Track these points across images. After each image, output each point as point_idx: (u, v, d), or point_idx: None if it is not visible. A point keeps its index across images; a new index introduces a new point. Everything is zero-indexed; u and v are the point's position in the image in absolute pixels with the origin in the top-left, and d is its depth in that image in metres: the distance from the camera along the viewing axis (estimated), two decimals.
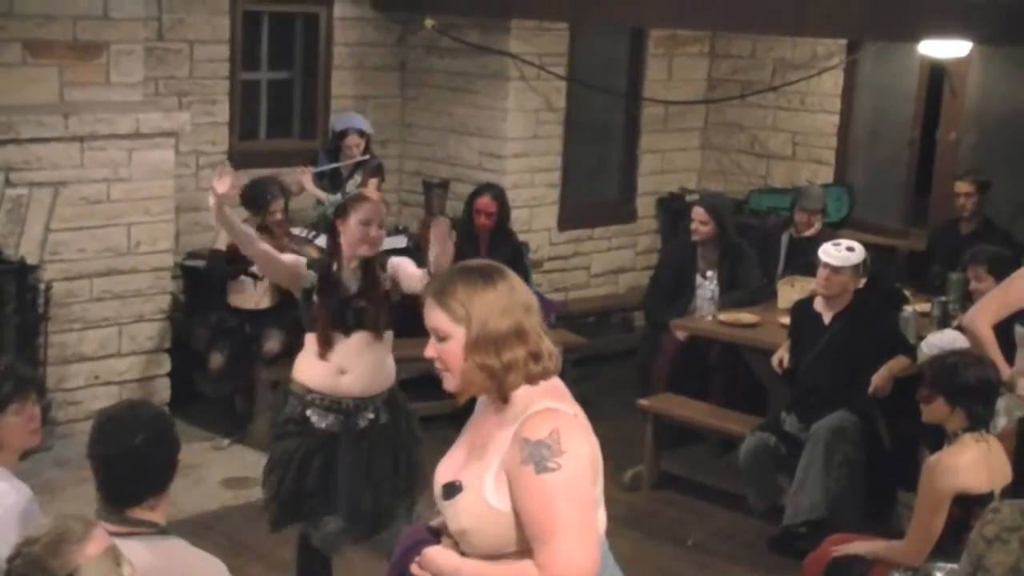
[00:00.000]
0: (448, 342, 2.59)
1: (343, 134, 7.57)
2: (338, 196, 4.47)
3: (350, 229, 4.48)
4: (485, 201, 7.24)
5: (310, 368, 4.54)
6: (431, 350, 2.63)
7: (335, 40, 8.33)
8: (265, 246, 4.58)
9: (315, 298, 4.52)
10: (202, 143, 7.75)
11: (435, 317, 2.60)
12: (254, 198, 6.94)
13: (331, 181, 7.59)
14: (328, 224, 4.64)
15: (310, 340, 4.55)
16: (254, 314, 6.99)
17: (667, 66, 9.12)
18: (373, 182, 7.62)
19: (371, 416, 4.55)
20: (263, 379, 6.86)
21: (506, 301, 2.58)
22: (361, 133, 7.64)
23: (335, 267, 4.54)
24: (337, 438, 4.53)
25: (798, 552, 5.15)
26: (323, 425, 4.52)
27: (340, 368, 4.49)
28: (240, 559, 5.25)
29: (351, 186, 7.56)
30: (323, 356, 4.49)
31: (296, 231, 7.16)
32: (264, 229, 6.84)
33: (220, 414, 7.06)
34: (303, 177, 7.43)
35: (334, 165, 7.57)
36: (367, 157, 7.62)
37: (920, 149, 8.45)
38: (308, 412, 4.52)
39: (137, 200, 6.73)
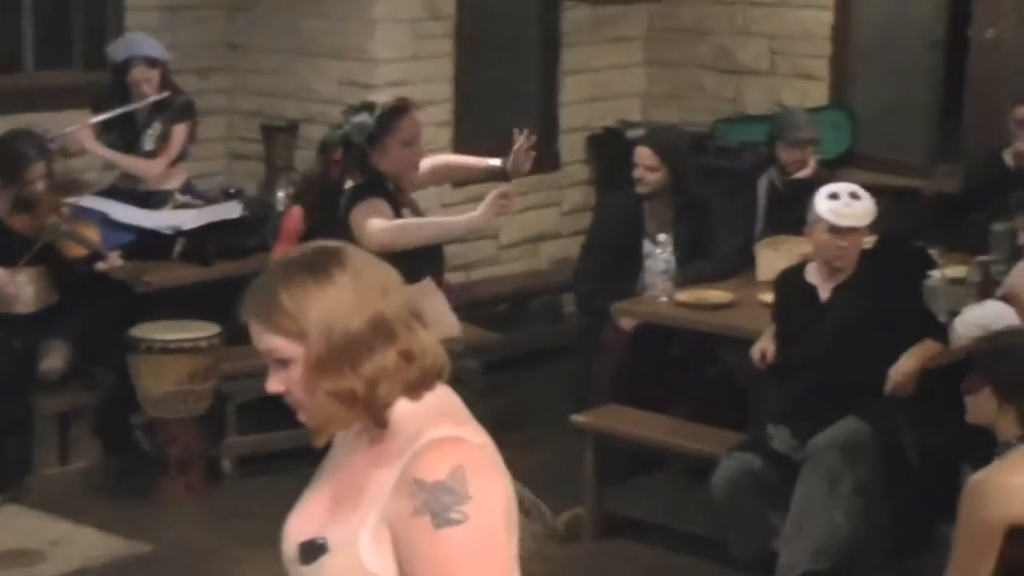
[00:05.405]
0: (291, 368, 2.60)
1: (125, 66, 7.49)
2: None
3: (392, 155, 4.73)
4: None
5: None
6: (274, 383, 2.63)
7: None
8: None
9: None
10: None
11: (264, 340, 2.61)
12: (3, 162, 6.85)
13: (122, 132, 7.56)
14: (359, 156, 4.66)
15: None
16: (24, 320, 6.90)
17: None
18: (181, 128, 7.58)
19: None
20: (44, 411, 6.82)
21: (352, 294, 2.58)
22: (152, 63, 7.55)
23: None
24: None
25: None
26: None
27: None
28: None
29: (149, 138, 7.55)
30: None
31: (85, 202, 7.14)
32: (23, 205, 6.77)
33: None
34: (81, 133, 7.35)
35: (122, 110, 7.49)
36: (166, 94, 7.56)
37: (947, 54, 8.51)
38: None
39: None
